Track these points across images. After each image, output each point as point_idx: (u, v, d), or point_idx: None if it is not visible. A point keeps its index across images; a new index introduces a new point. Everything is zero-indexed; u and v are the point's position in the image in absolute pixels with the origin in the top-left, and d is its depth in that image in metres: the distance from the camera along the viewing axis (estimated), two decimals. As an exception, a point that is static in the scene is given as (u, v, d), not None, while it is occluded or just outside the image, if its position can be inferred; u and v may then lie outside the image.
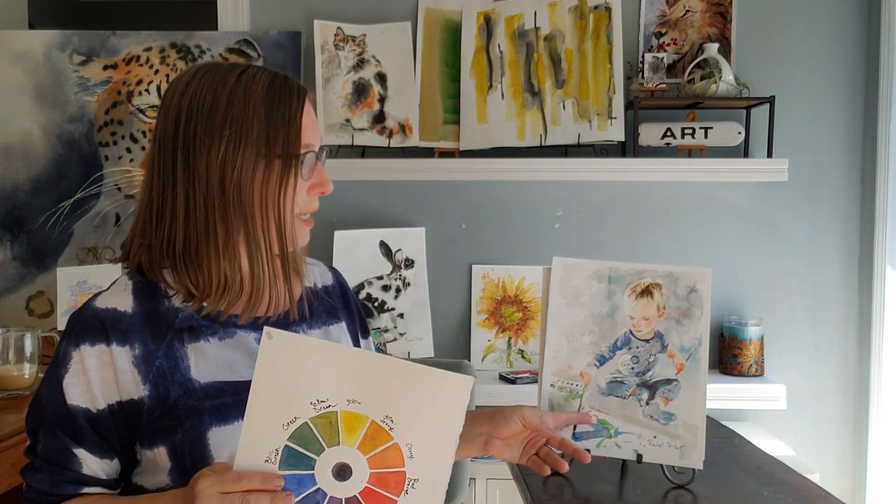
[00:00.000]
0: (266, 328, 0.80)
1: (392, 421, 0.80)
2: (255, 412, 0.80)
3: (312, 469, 0.81)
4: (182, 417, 0.91)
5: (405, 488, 0.82)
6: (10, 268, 2.43)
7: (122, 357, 0.93)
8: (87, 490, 0.93)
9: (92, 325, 0.94)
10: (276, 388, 0.80)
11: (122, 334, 0.93)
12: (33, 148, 2.43)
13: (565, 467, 1.11)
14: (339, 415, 0.80)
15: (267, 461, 0.80)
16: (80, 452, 0.92)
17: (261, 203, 0.94)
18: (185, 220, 0.94)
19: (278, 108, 0.95)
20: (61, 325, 2.27)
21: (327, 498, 0.81)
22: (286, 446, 0.80)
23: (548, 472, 1.12)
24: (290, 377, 0.80)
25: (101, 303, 0.96)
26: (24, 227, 2.43)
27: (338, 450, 0.81)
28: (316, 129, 1.00)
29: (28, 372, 1.83)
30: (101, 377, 0.92)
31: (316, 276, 1.15)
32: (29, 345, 1.84)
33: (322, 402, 0.80)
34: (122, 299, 0.96)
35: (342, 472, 0.81)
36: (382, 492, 0.81)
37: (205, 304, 0.96)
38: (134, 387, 0.92)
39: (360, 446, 0.81)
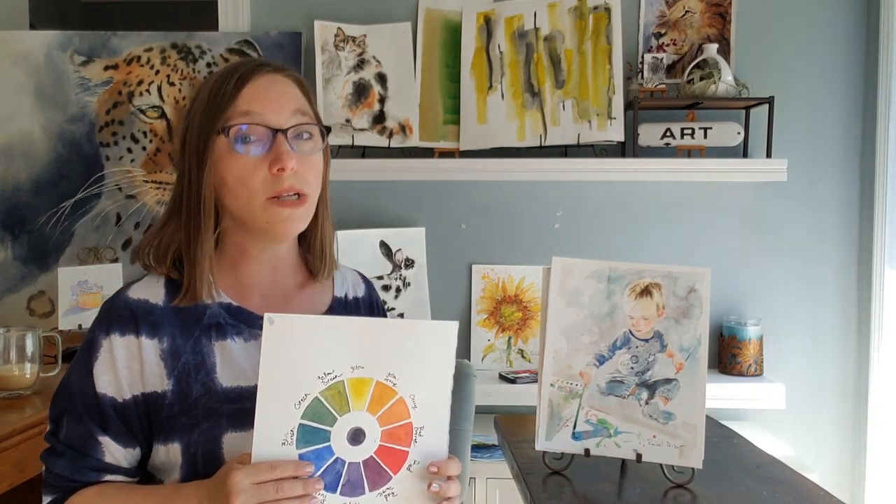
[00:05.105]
0: (266, 314, 0.82)
1: (394, 377, 0.85)
2: (266, 398, 0.82)
3: (329, 441, 0.84)
4: (200, 417, 0.92)
5: (413, 437, 0.86)
6: (11, 268, 2.44)
7: (149, 349, 0.94)
8: (108, 478, 0.93)
9: (123, 314, 0.95)
10: (284, 370, 0.83)
11: (152, 327, 0.94)
12: (34, 148, 2.44)
13: None
14: (346, 383, 0.84)
15: (284, 443, 0.83)
16: (105, 440, 0.93)
17: (222, 183, 0.96)
18: (174, 209, 0.99)
19: (218, 88, 0.96)
20: (62, 325, 2.27)
21: (346, 465, 0.84)
22: (300, 425, 0.83)
23: None
24: (296, 356, 0.83)
25: (133, 293, 0.97)
26: (25, 227, 2.44)
27: (349, 416, 0.84)
28: (267, 102, 0.95)
29: (29, 372, 1.83)
30: (129, 367, 0.93)
31: (349, 285, 1.14)
32: (30, 345, 1.84)
33: (329, 374, 0.83)
34: (154, 291, 0.98)
35: (356, 436, 0.85)
36: (395, 446, 0.85)
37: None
38: (158, 380, 0.93)
39: (370, 408, 0.84)
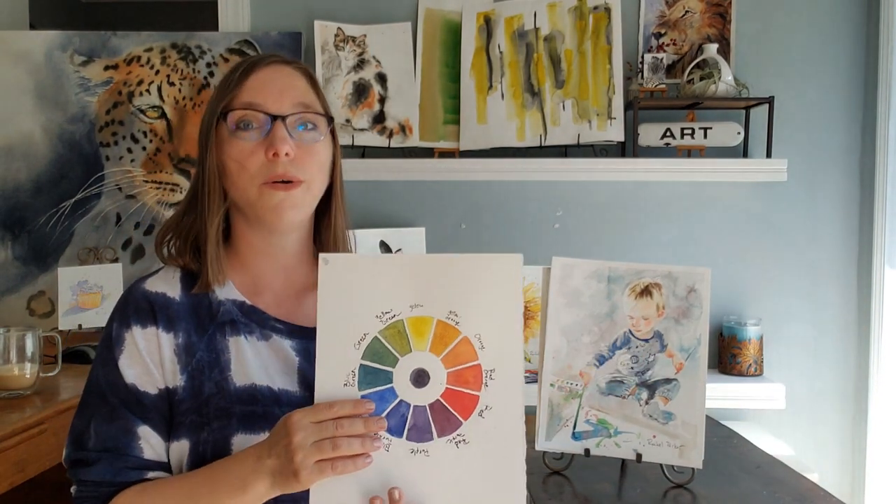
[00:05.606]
0: (321, 255, 0.82)
1: (456, 315, 0.81)
2: (325, 339, 0.81)
3: (391, 382, 0.81)
4: (211, 416, 0.91)
5: (484, 381, 0.82)
6: (11, 268, 2.44)
7: (166, 343, 0.93)
8: (150, 475, 0.91)
9: (142, 307, 0.95)
10: (341, 310, 0.81)
11: (169, 320, 0.94)
12: (34, 148, 2.44)
13: None
14: (405, 322, 0.81)
15: (346, 385, 0.81)
16: (144, 430, 0.91)
17: (223, 167, 0.97)
18: (191, 198, 1.00)
19: (226, 78, 0.98)
20: (62, 325, 2.27)
21: (411, 408, 0.81)
22: (361, 365, 0.81)
23: None
24: (352, 296, 0.81)
25: (150, 286, 0.97)
26: (25, 226, 2.44)
27: (411, 357, 0.81)
28: (269, 91, 0.96)
29: (29, 372, 1.83)
30: (151, 360, 0.93)
31: None
32: (30, 345, 1.84)
33: (386, 313, 0.81)
34: (171, 286, 0.98)
35: (420, 377, 0.81)
36: (464, 389, 0.82)
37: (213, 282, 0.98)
38: (172, 375, 0.93)
39: (432, 348, 0.81)
